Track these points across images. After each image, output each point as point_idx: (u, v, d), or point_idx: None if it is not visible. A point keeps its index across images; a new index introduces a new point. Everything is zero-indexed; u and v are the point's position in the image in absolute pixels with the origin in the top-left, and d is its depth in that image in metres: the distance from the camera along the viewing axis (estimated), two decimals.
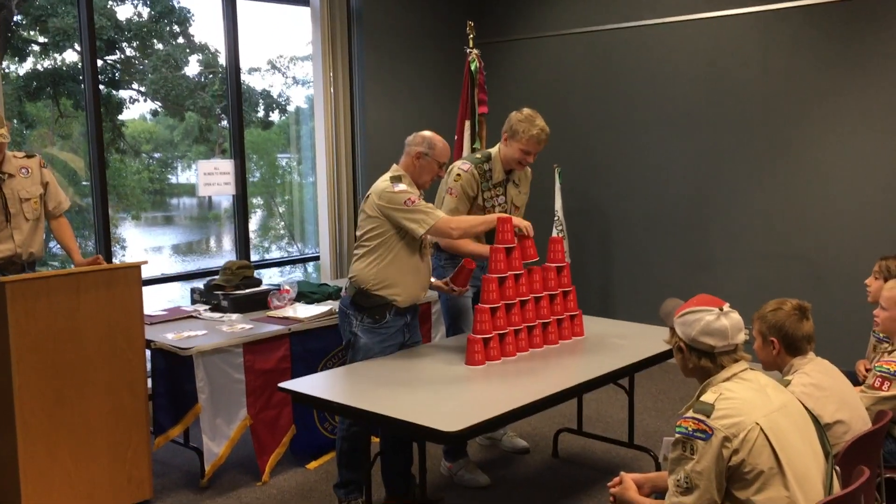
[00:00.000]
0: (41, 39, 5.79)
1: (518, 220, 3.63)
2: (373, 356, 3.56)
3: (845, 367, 3.13)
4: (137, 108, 6.43)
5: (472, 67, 5.45)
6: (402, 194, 3.46)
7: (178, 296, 5.89)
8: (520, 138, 3.94)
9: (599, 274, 6.61)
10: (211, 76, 6.57)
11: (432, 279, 3.82)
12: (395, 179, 3.53)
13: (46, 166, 4.24)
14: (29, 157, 4.16)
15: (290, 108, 7.08)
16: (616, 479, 2.51)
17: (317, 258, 6.47)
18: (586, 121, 6.57)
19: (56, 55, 5.84)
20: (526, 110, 4.00)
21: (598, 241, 6.60)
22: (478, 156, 4.13)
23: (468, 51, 5.48)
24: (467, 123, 5.50)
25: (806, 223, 5.54)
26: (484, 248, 3.80)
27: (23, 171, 4.08)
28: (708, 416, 2.15)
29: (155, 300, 5.28)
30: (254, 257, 6.15)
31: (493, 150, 4.11)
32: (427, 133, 3.63)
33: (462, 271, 3.65)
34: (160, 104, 6.52)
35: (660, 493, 2.43)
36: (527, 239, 3.63)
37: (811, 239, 5.52)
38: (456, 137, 5.55)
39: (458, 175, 3.98)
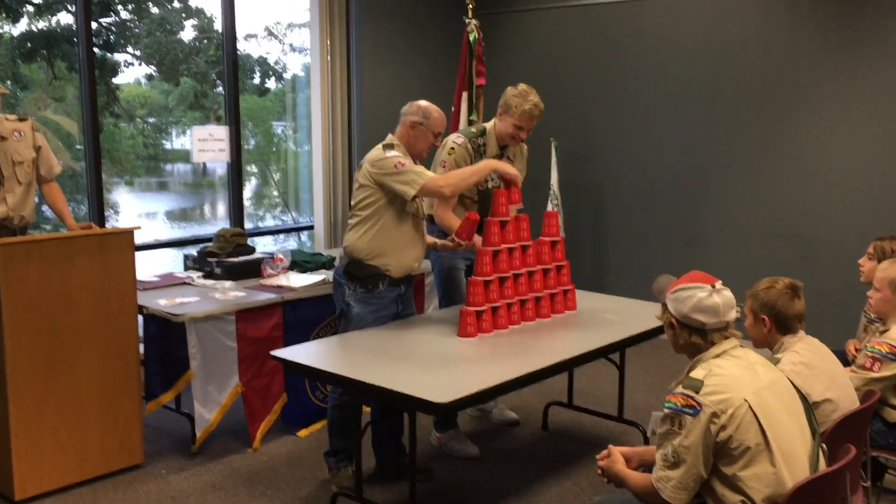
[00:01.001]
0: (36, 0, 5.72)
1: (505, 167, 3.59)
2: (365, 326, 3.56)
3: (835, 346, 3.14)
4: (132, 72, 6.38)
5: (471, 38, 5.41)
6: (392, 159, 3.45)
7: (171, 262, 5.88)
8: (513, 113, 3.93)
9: (593, 248, 6.62)
10: (206, 42, 6.50)
11: (438, 241, 3.81)
12: (387, 147, 3.53)
13: (39, 129, 4.21)
14: (21, 119, 4.12)
15: (287, 76, 7.03)
16: (604, 452, 2.53)
17: (311, 227, 6.46)
18: (583, 95, 6.54)
19: (50, 16, 5.77)
20: (521, 85, 3.97)
21: (592, 215, 6.60)
22: (473, 129, 4.12)
23: (467, 21, 5.43)
24: (465, 95, 5.48)
25: (799, 202, 5.54)
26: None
27: (15, 133, 4.04)
28: (697, 392, 2.16)
29: (148, 266, 5.27)
30: (248, 225, 6.14)
31: (489, 125, 4.10)
32: (423, 102, 3.61)
33: (466, 223, 3.58)
34: (155, 69, 6.46)
35: (647, 466, 2.45)
36: (514, 187, 3.61)
37: (804, 218, 5.53)
38: (453, 109, 5.52)
39: (452, 148, 3.97)
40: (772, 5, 5.53)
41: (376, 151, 3.53)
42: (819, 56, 5.37)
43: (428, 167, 4.02)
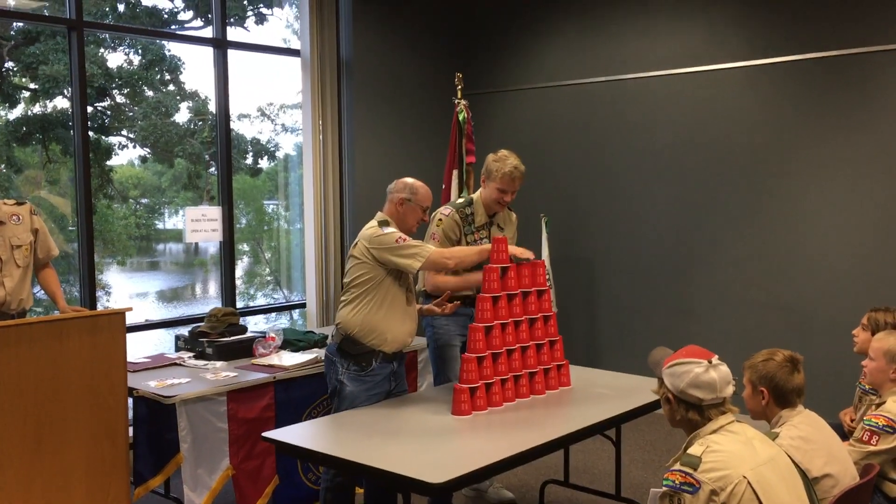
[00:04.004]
0: (32, 86, 5.83)
1: (514, 249, 3.65)
2: (359, 404, 3.52)
3: (828, 418, 3.12)
4: (126, 154, 6.45)
5: (460, 118, 5.52)
6: (392, 234, 3.52)
7: (162, 342, 5.84)
8: (494, 177, 4.02)
9: (585, 323, 6.61)
10: (200, 123, 6.60)
11: (425, 306, 3.85)
12: (383, 224, 3.60)
13: (37, 213, 4.23)
14: (20, 204, 4.15)
15: (279, 155, 7.12)
16: None
17: (303, 305, 6.45)
18: (572, 171, 6.63)
19: (46, 101, 5.87)
20: (501, 151, 4.11)
21: (583, 290, 6.61)
22: (460, 200, 4.23)
23: (456, 101, 5.55)
24: (455, 173, 5.55)
25: (788, 273, 5.58)
26: (470, 277, 3.87)
27: (13, 218, 4.06)
28: (695, 469, 2.14)
29: (139, 346, 5.23)
30: (239, 304, 6.12)
31: (475, 195, 4.20)
32: (409, 179, 3.70)
33: (496, 245, 3.62)
34: (149, 150, 6.54)
35: None
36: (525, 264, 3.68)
37: (794, 289, 5.55)
38: (444, 186, 5.59)
39: (440, 220, 4.05)
40: (755, 77, 5.67)
41: (372, 229, 3.58)
42: (802, 130, 5.49)
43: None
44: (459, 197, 5.45)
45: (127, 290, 6.82)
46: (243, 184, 6.86)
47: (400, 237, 3.51)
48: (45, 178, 6.07)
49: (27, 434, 3.43)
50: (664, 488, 2.18)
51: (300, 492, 4.33)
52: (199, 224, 5.73)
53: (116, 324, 3.73)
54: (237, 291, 6.07)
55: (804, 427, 2.73)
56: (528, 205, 5.98)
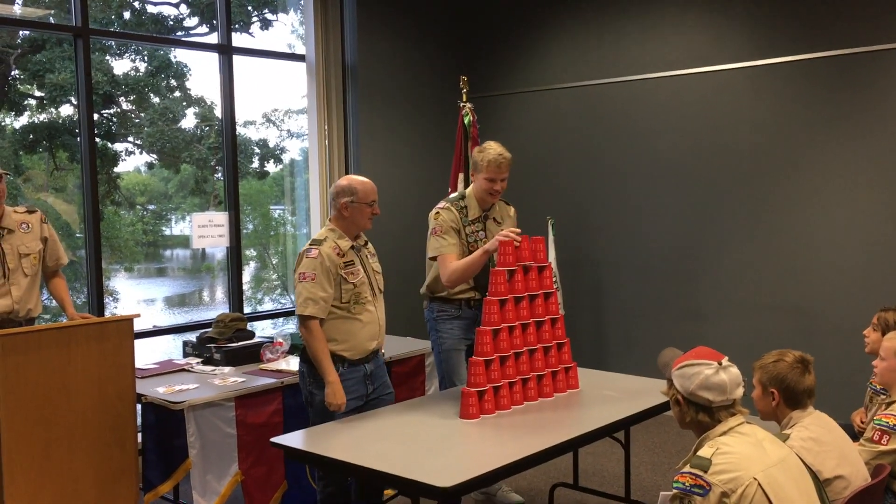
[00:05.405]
0: (38, 94, 5.85)
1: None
2: (334, 414, 3.50)
3: (839, 419, 3.10)
4: (133, 161, 6.47)
5: (466, 121, 5.51)
6: (303, 264, 3.49)
7: (169, 348, 5.84)
8: (481, 168, 4.04)
9: (592, 325, 6.60)
10: (207, 129, 6.62)
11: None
12: (316, 243, 3.55)
13: (47, 221, 4.23)
14: (30, 212, 4.14)
15: (285, 160, 7.14)
16: None
17: None
18: (578, 173, 6.62)
19: (53, 109, 5.89)
20: (486, 143, 4.13)
21: (590, 292, 6.60)
22: (452, 195, 4.27)
23: (461, 105, 5.54)
24: (461, 176, 5.55)
25: (796, 275, 5.56)
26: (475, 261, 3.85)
27: (23, 226, 4.06)
28: (705, 471, 2.13)
29: (147, 352, 5.23)
30: (247, 309, 6.12)
31: (468, 189, 4.22)
32: (347, 179, 3.67)
33: (504, 247, 3.63)
34: (156, 157, 6.56)
35: None
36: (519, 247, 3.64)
37: (801, 290, 5.53)
38: (449, 190, 5.58)
39: (438, 213, 4.06)
40: (761, 77, 5.65)
41: (306, 247, 3.57)
42: (809, 131, 5.47)
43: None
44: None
45: (134, 296, 6.84)
46: (250, 188, 6.88)
47: (303, 273, 3.47)
48: (52, 185, 6.09)
49: (36, 441, 3.44)
50: (674, 490, 2.17)
51: (309, 496, 4.32)
52: (206, 230, 5.74)
53: (124, 330, 3.74)
54: (244, 297, 6.08)
55: (815, 428, 2.72)
56: (535, 207, 5.98)
